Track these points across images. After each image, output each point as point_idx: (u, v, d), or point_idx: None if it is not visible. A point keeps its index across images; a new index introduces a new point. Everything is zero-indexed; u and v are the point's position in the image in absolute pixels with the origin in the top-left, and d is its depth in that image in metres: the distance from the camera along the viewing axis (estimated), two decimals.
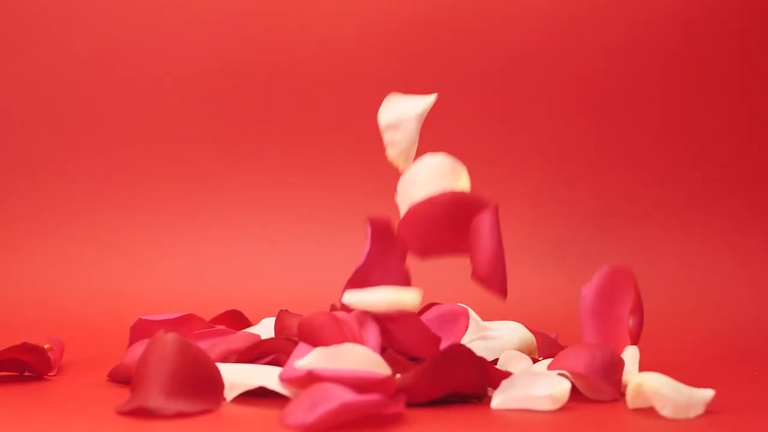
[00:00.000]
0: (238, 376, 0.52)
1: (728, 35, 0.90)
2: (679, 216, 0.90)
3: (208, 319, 0.64)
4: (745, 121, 0.90)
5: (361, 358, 0.50)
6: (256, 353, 0.55)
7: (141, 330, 0.60)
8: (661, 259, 0.88)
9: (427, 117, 0.73)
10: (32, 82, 0.94)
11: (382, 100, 0.58)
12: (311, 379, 0.49)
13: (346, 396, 0.47)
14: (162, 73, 0.94)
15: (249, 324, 0.67)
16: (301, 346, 0.52)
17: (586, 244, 0.89)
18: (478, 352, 0.55)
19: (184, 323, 0.61)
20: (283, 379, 0.51)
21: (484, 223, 0.55)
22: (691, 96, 0.91)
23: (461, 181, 0.58)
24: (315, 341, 0.52)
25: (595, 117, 0.92)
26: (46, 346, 0.61)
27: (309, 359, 0.49)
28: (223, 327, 0.62)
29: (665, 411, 0.50)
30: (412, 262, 0.57)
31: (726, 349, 0.72)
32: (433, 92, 0.64)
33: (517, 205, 0.91)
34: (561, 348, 0.63)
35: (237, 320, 0.66)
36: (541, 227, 0.91)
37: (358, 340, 0.52)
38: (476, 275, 0.55)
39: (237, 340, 0.57)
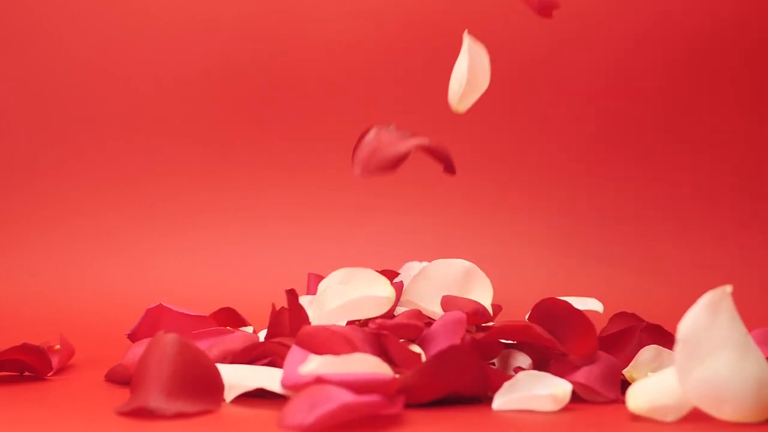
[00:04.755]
0: (237, 377, 0.52)
1: (732, 37, 0.90)
2: (681, 216, 0.90)
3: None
4: (747, 120, 0.90)
5: (365, 364, 0.50)
6: (253, 356, 0.55)
7: (156, 315, 0.60)
8: (663, 259, 0.88)
9: (431, 118, 0.73)
10: (31, 83, 0.94)
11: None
12: (316, 383, 0.49)
13: (346, 397, 0.47)
14: (161, 74, 0.94)
15: (244, 322, 0.67)
16: (295, 349, 0.52)
17: (586, 244, 0.89)
18: None
19: (197, 322, 0.61)
20: (286, 386, 0.51)
21: None
22: (694, 96, 0.91)
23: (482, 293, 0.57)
24: (319, 352, 0.52)
25: (598, 117, 0.92)
26: (56, 347, 0.61)
27: (314, 365, 0.49)
28: (228, 327, 0.62)
29: (668, 419, 0.50)
30: None
31: None
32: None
33: (519, 204, 0.91)
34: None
35: (231, 318, 0.66)
36: (541, 227, 0.91)
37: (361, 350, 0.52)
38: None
39: (234, 340, 0.57)
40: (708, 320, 0.47)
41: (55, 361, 0.61)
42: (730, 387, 0.47)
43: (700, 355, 0.47)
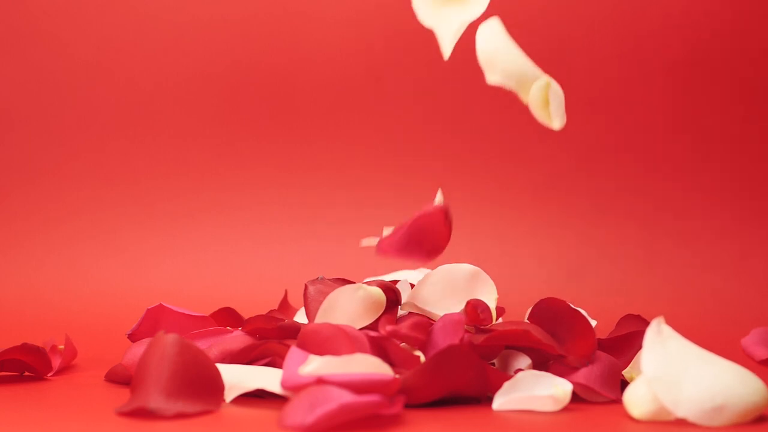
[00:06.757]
0: (237, 378, 0.52)
1: (732, 37, 0.90)
2: (681, 215, 0.90)
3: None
4: (747, 120, 0.90)
5: (366, 364, 0.50)
6: (253, 356, 0.55)
7: (156, 315, 0.60)
8: (663, 258, 0.88)
9: (431, 117, 0.72)
10: (31, 83, 0.94)
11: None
12: (316, 383, 0.49)
13: (346, 397, 0.47)
14: (161, 74, 0.94)
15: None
16: (294, 350, 0.52)
17: (586, 244, 0.89)
18: None
19: (197, 322, 0.61)
20: (286, 388, 0.51)
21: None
22: (694, 95, 0.91)
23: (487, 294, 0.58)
24: (320, 351, 0.52)
25: (599, 116, 0.92)
26: (60, 347, 0.61)
27: (314, 366, 0.49)
28: (228, 327, 0.61)
29: (672, 417, 0.50)
30: None
31: (728, 344, 0.72)
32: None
33: (519, 204, 0.91)
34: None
35: (231, 318, 0.66)
36: (541, 226, 0.91)
37: (362, 350, 0.52)
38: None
39: (234, 340, 0.56)
40: (662, 350, 0.49)
41: (57, 361, 0.61)
42: (719, 390, 0.48)
43: (676, 381, 0.49)
